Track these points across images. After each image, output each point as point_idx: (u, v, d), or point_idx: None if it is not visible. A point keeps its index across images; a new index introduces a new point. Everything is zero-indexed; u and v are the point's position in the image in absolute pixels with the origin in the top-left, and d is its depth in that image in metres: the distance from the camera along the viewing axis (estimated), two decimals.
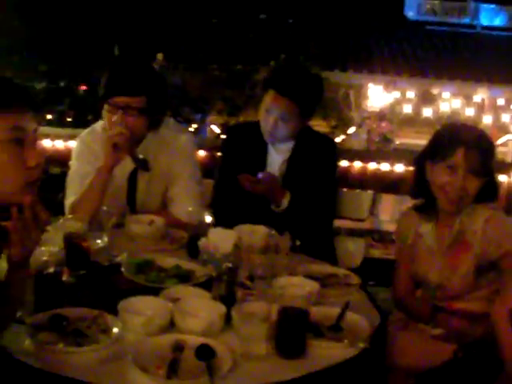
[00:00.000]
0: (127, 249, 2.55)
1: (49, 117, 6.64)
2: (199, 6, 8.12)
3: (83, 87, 6.88)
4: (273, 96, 2.98)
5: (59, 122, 6.58)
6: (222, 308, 2.06)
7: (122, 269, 2.36)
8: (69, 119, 6.76)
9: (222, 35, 7.66)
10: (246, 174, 2.93)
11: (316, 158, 3.11)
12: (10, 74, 5.95)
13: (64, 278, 2.15)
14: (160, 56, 8.26)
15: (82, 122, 6.64)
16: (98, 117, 2.98)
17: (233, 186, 3.00)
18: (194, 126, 6.53)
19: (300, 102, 2.97)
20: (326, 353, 1.95)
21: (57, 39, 6.86)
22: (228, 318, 2.01)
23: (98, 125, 2.97)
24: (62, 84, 6.77)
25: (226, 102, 7.09)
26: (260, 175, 2.94)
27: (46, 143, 4.92)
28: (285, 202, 2.98)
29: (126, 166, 2.90)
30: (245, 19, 8.02)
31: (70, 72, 6.75)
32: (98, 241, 2.47)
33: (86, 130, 3.02)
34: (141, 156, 2.84)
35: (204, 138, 6.92)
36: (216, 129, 7.07)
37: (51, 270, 2.06)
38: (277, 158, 3.11)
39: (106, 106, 2.80)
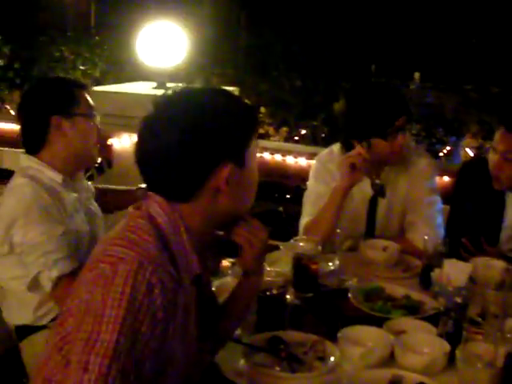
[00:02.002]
0: (358, 274, 2.52)
1: (303, 132, 6.80)
2: (460, 25, 7.85)
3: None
4: (501, 132, 2.79)
5: (312, 138, 6.73)
6: (447, 346, 1.94)
7: (349, 294, 2.33)
8: (322, 135, 6.86)
9: (479, 56, 7.32)
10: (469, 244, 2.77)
11: None
12: (265, 87, 6.20)
13: (288, 299, 2.17)
14: (417, 75, 8.10)
15: (334, 139, 6.63)
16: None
17: (464, 224, 2.87)
18: (447, 148, 6.31)
19: None
20: None
21: (311, 55, 7.02)
22: (451, 358, 1.90)
23: (336, 146, 2.97)
24: (316, 99, 6.90)
25: (482, 126, 6.75)
26: None
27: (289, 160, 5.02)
28: None
29: (367, 190, 2.86)
30: (506, 40, 7.56)
31: (326, 88, 6.85)
32: (330, 263, 2.47)
33: (325, 151, 3.04)
34: (378, 181, 2.80)
35: (457, 161, 6.64)
36: (470, 152, 6.77)
37: (275, 291, 2.10)
38: None
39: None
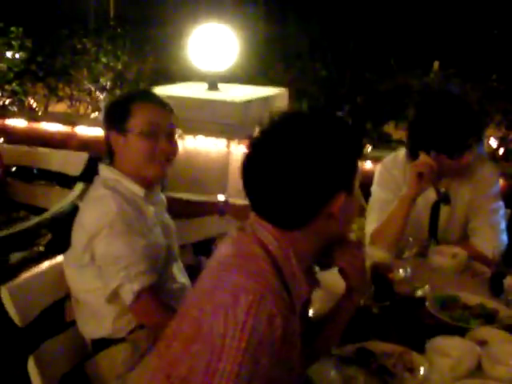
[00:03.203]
0: (429, 281, 2.53)
1: None
2: (480, 15, 7.83)
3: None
4: None
5: None
6: None
7: (427, 303, 2.34)
8: None
9: (502, 46, 7.30)
10: None
11: None
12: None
13: (372, 309, 2.19)
14: (436, 64, 8.07)
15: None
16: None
17: None
18: None
19: None
20: None
21: (336, 48, 6.99)
22: None
23: (401, 152, 2.97)
24: (342, 91, 6.88)
25: (506, 115, 6.75)
26: None
27: None
28: None
29: (430, 196, 2.87)
30: None
31: (351, 80, 6.82)
32: (401, 271, 2.48)
33: (389, 157, 3.03)
34: (442, 189, 2.80)
35: (480, 151, 6.64)
36: (493, 143, 6.79)
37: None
38: None
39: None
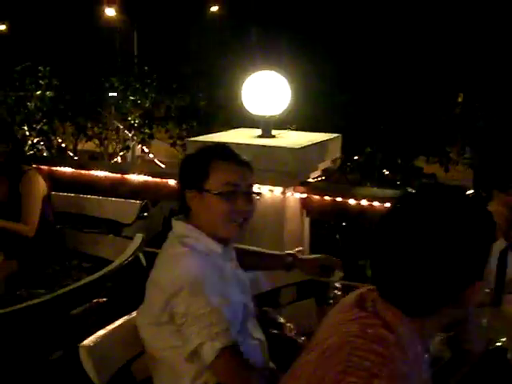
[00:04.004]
0: (504, 332, 2.49)
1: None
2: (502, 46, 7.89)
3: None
4: None
5: (366, 166, 6.72)
6: None
7: (508, 355, 2.30)
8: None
9: None
10: None
11: None
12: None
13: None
14: (460, 97, 8.11)
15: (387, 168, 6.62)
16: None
17: None
18: None
19: None
20: None
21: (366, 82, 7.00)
22: None
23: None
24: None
25: None
26: None
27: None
28: None
29: (498, 243, 2.83)
30: None
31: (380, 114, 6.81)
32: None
33: None
34: None
35: None
36: None
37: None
38: None
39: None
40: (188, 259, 2.19)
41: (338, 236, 5.93)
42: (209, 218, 2.26)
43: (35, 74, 6.65)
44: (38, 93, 6.54)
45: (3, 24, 17.97)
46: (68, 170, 4.01)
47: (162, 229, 3.91)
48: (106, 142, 6.70)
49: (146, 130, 6.61)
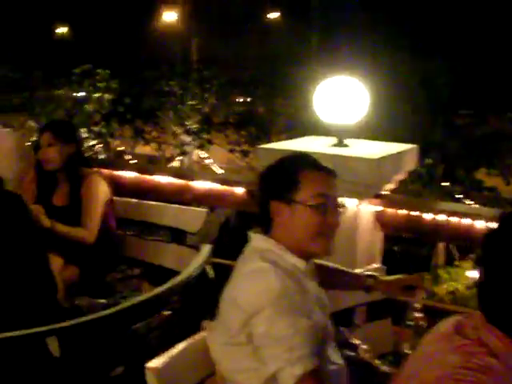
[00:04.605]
0: None
1: None
2: None
3: None
4: None
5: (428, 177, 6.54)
6: None
7: None
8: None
9: None
10: None
11: None
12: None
13: None
14: None
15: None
16: None
17: None
18: None
19: None
20: None
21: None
22: None
23: None
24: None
25: None
26: None
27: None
28: None
29: None
30: None
31: (443, 125, 6.63)
32: None
33: None
34: None
35: None
36: None
37: None
38: None
39: None
40: (270, 275, 2.01)
41: (396, 248, 5.77)
42: (296, 230, 2.09)
43: (94, 77, 6.62)
44: (97, 95, 6.50)
45: (65, 27, 18.35)
46: (131, 174, 3.89)
47: (219, 236, 3.78)
48: (163, 146, 6.62)
49: (205, 135, 6.52)
